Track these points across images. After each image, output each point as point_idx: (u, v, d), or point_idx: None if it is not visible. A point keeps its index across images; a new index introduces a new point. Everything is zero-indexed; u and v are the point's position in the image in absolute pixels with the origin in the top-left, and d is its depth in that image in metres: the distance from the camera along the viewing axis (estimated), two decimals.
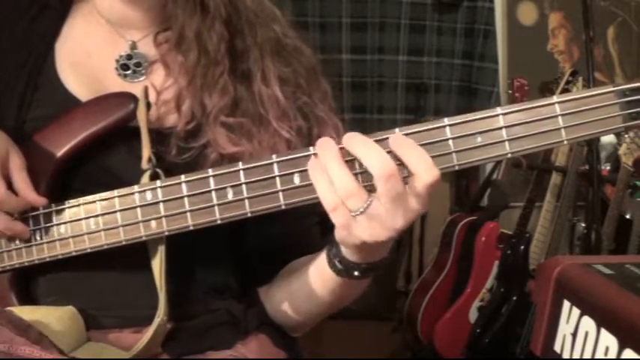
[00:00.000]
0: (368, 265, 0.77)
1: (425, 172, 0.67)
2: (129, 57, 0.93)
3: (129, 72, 0.93)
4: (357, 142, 0.68)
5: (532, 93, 2.61)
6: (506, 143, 0.68)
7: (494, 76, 3.13)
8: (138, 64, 0.93)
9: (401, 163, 0.68)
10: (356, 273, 0.79)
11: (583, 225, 2.25)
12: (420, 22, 3.16)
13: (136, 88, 0.90)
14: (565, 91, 2.34)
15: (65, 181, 0.87)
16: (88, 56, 0.93)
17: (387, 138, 0.69)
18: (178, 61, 0.91)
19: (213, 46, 0.89)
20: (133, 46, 0.93)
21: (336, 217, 0.69)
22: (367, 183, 0.68)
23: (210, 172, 0.76)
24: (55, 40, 0.94)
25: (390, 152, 0.68)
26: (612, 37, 3.37)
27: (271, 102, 0.90)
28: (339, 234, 0.72)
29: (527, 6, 3.24)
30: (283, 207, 0.74)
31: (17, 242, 0.86)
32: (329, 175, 0.68)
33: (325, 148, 0.69)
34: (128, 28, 0.94)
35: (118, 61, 0.93)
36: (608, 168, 2.60)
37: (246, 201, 0.75)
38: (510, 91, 2.63)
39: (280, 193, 0.73)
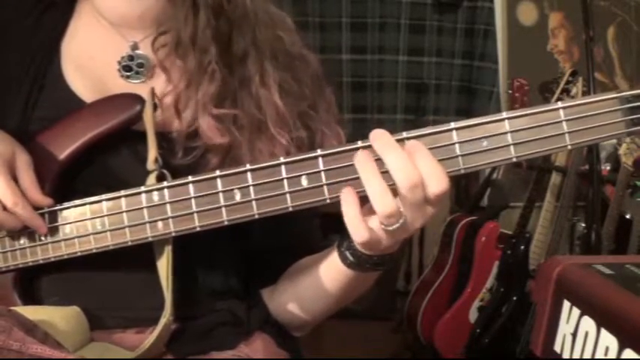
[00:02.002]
0: (379, 257, 0.78)
1: (435, 183, 0.68)
2: (131, 58, 0.93)
3: (131, 73, 0.93)
4: (385, 146, 0.69)
5: (532, 93, 2.61)
6: (512, 147, 0.69)
7: (494, 76, 3.13)
8: (140, 65, 0.93)
9: None
10: (367, 265, 0.79)
11: (583, 225, 2.25)
12: (420, 22, 3.16)
13: (139, 88, 0.90)
14: (565, 91, 2.34)
15: (69, 182, 0.87)
16: (91, 57, 0.94)
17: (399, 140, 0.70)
18: (177, 64, 0.91)
19: (201, 34, 0.89)
20: (135, 46, 0.93)
21: (367, 245, 0.72)
22: (391, 183, 0.69)
23: (218, 172, 0.77)
24: (60, 40, 0.94)
25: None
26: (612, 37, 3.37)
27: (269, 105, 0.90)
28: (363, 247, 0.74)
29: (527, 6, 3.24)
30: (291, 209, 0.74)
31: (22, 242, 0.86)
32: (368, 192, 0.69)
33: (365, 166, 0.69)
34: (128, 28, 0.94)
35: (119, 62, 0.93)
36: (608, 168, 2.60)
37: (254, 203, 0.75)
38: (510, 91, 2.63)
39: (288, 195, 0.74)
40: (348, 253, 0.79)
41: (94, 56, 0.94)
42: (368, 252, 0.77)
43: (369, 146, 0.70)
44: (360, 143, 0.72)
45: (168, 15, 0.91)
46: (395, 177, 0.68)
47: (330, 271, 0.85)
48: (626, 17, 3.40)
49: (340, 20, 3.10)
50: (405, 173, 0.67)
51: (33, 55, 0.92)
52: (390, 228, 0.70)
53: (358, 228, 0.70)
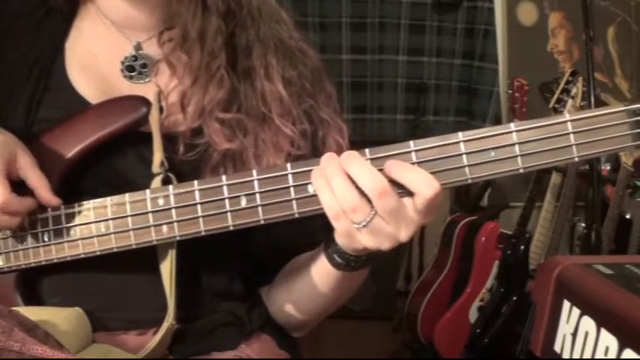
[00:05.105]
0: (367, 256, 0.79)
1: (425, 188, 0.69)
2: (134, 58, 0.93)
3: (134, 73, 0.93)
4: (352, 163, 0.70)
5: (532, 93, 2.61)
6: (519, 158, 0.70)
7: (494, 76, 3.13)
8: (144, 65, 0.93)
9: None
10: (356, 265, 0.80)
11: (583, 225, 2.25)
12: (420, 22, 3.16)
13: (142, 89, 0.90)
14: (565, 91, 2.33)
15: (74, 183, 0.87)
16: (95, 58, 0.94)
17: (403, 153, 0.71)
18: (183, 60, 0.91)
19: (211, 40, 0.89)
20: (138, 47, 0.93)
21: (338, 225, 0.72)
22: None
23: (224, 180, 0.77)
24: (64, 41, 0.94)
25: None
26: (612, 37, 3.36)
27: (274, 98, 0.90)
28: (341, 240, 0.74)
29: (527, 6, 3.23)
30: (297, 215, 0.75)
31: (25, 243, 0.86)
32: (332, 188, 0.70)
33: (329, 163, 0.71)
34: (133, 29, 0.94)
35: (123, 62, 0.93)
36: (608, 168, 2.60)
37: (260, 208, 0.76)
38: (510, 91, 2.63)
39: (294, 202, 0.75)
40: (335, 256, 0.80)
41: (98, 57, 0.94)
42: (356, 252, 0.77)
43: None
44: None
45: (174, 14, 0.91)
46: (363, 187, 0.69)
47: (321, 273, 0.85)
48: (626, 17, 3.40)
49: (340, 20, 3.10)
50: (371, 182, 0.69)
51: (37, 57, 0.92)
52: (357, 226, 0.70)
53: (331, 202, 0.71)
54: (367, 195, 0.69)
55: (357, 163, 0.70)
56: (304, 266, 0.88)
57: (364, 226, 0.70)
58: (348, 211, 0.70)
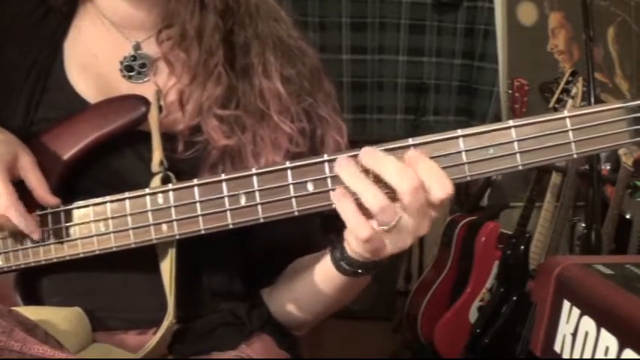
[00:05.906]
0: (374, 262, 0.78)
1: (438, 188, 0.68)
2: (133, 58, 0.93)
3: (133, 73, 0.93)
4: (375, 159, 0.69)
5: (532, 93, 2.61)
6: (518, 155, 0.70)
7: (494, 76, 3.14)
8: (142, 65, 0.93)
9: None
10: (361, 271, 0.80)
11: (583, 225, 2.25)
12: (419, 22, 3.17)
13: (141, 89, 0.90)
14: (565, 91, 2.34)
15: (72, 182, 0.87)
16: (95, 58, 0.94)
17: (401, 148, 0.70)
18: (181, 58, 0.91)
19: (209, 37, 0.89)
20: (137, 46, 0.93)
21: (371, 246, 0.71)
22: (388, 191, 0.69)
23: (224, 176, 0.77)
24: (62, 41, 0.94)
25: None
26: (612, 37, 3.36)
27: (272, 95, 0.90)
28: (368, 251, 0.73)
29: (527, 6, 3.23)
30: (296, 213, 0.74)
31: (24, 242, 0.86)
32: (357, 192, 0.69)
33: (345, 168, 0.69)
34: (131, 28, 0.94)
35: (122, 62, 0.93)
36: (608, 168, 2.60)
37: (259, 207, 0.75)
38: (510, 91, 2.63)
39: (293, 200, 0.74)
40: (342, 263, 0.80)
41: (97, 56, 0.94)
42: (365, 260, 0.77)
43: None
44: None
45: (172, 13, 0.91)
46: (395, 183, 0.68)
47: (326, 276, 0.85)
48: (626, 17, 3.40)
49: (340, 20, 3.11)
50: (405, 178, 0.67)
51: (36, 56, 0.92)
52: (385, 227, 0.69)
53: (359, 225, 0.69)
54: (397, 192, 0.68)
55: (382, 159, 0.68)
56: (309, 268, 0.88)
57: (393, 226, 0.69)
58: (376, 213, 0.68)
